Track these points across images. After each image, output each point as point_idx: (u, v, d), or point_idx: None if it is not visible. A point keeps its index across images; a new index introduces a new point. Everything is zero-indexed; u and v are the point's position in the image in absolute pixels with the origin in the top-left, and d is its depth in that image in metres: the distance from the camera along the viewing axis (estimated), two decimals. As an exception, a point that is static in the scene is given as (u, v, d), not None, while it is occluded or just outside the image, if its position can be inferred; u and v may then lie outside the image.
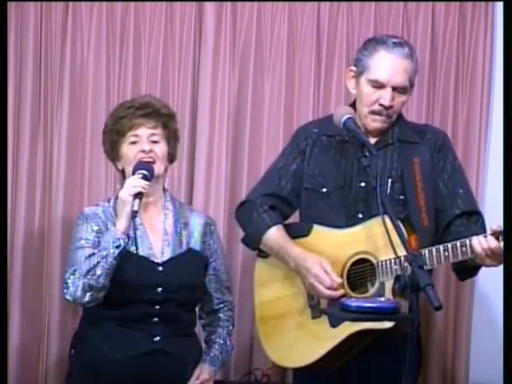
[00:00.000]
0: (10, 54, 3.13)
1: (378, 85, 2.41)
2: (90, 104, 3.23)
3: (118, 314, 2.44)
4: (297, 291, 2.48)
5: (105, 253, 2.37)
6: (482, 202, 3.18)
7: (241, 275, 3.24)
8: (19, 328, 3.18)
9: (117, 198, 2.49)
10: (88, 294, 2.38)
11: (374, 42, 2.46)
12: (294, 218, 2.70)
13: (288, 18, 3.28)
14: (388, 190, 2.41)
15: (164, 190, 2.62)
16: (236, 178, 3.30)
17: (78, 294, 2.38)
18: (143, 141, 2.49)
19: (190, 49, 3.27)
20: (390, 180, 2.41)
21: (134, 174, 2.44)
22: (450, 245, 2.24)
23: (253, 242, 2.58)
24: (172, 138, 2.59)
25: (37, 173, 3.22)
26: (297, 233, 2.53)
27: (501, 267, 2.16)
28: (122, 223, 2.40)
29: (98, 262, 2.36)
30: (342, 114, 2.39)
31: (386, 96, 2.40)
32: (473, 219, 2.43)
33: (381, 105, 2.41)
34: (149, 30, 3.26)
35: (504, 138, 2.33)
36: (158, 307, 2.43)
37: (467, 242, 2.22)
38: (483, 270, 2.41)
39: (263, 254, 2.59)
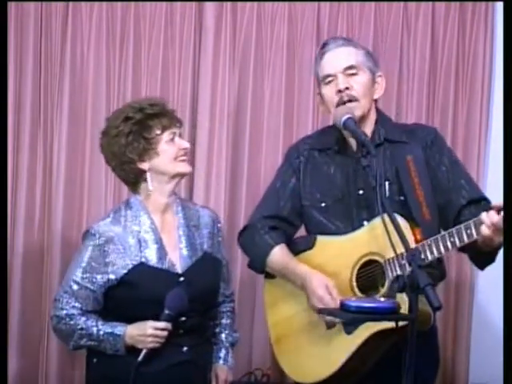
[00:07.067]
0: (10, 54, 3.14)
1: (331, 79, 2.44)
2: (90, 104, 3.24)
3: None
4: (309, 305, 2.43)
5: (103, 343, 2.30)
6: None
7: (241, 274, 3.25)
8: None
9: (127, 204, 2.39)
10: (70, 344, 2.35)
11: (317, 54, 2.53)
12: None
13: (288, 18, 3.29)
14: (387, 193, 2.40)
15: None
16: (236, 177, 3.30)
17: (63, 334, 2.35)
18: (178, 139, 2.39)
19: (190, 49, 3.27)
20: (387, 182, 2.38)
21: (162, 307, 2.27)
22: (454, 230, 2.19)
23: (258, 265, 2.55)
24: None
25: (37, 173, 3.23)
26: (302, 247, 2.51)
27: (500, 267, 2.15)
28: (134, 343, 2.29)
29: (84, 339, 2.31)
30: (342, 113, 2.38)
31: (337, 82, 2.43)
32: (481, 206, 2.35)
33: (339, 91, 2.43)
34: (149, 30, 3.26)
35: (504, 138, 2.32)
36: (183, 319, 2.33)
37: (471, 223, 2.16)
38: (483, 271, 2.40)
39: (270, 276, 2.57)
